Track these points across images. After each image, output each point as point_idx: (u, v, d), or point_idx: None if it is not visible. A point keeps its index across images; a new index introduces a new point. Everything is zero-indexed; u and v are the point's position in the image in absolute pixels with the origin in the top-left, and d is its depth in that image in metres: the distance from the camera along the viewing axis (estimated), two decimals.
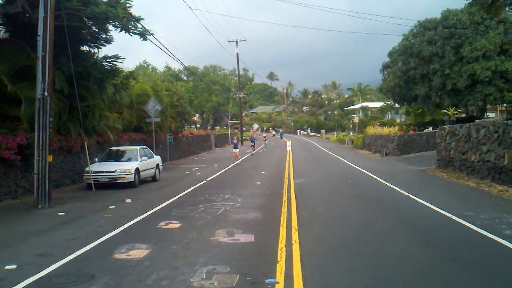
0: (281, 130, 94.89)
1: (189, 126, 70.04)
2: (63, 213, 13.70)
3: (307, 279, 7.00)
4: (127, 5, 19.33)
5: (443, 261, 7.90)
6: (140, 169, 20.50)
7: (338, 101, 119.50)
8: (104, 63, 22.38)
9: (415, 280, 6.99)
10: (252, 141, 42.96)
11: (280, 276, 7.16)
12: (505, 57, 33.12)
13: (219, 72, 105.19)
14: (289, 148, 41.84)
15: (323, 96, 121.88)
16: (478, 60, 33.16)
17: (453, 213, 11.90)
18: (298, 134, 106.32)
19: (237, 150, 34.26)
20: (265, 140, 57.68)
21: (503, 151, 16.66)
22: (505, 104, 38.29)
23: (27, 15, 18.20)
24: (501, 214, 11.81)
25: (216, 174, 24.23)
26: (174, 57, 62.80)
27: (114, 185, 19.32)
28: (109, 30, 21.30)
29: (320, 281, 7.06)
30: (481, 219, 11.26)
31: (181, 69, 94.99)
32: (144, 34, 20.52)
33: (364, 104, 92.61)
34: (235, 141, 35.56)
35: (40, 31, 15.10)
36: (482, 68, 32.63)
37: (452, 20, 35.20)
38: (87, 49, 22.41)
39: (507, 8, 19.67)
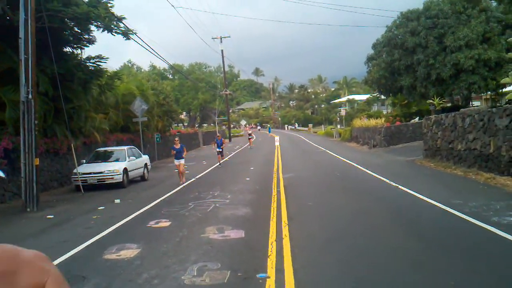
0: (268, 125, 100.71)
1: (176, 125, 69.87)
2: (52, 216, 13.61)
3: (298, 273, 7.02)
4: (109, 4, 19.29)
5: (433, 250, 7.97)
6: (129, 169, 20.41)
7: (324, 94, 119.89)
8: (88, 64, 22.25)
9: (405, 270, 7.04)
10: (219, 146, 27.88)
11: (271, 271, 7.17)
12: (488, 46, 33.37)
13: (205, 70, 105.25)
14: (277, 143, 41.86)
15: (309, 91, 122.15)
16: (461, 49, 33.38)
17: (441, 202, 11.99)
18: (286, 129, 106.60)
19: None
20: (250, 137, 47.97)
21: (489, 139, 16.82)
22: (489, 92, 38.63)
23: (7, 17, 17.98)
24: (488, 201, 11.92)
25: (205, 172, 24.20)
26: (159, 56, 62.72)
27: (102, 186, 19.22)
28: (92, 30, 21.22)
29: (311, 273, 7.10)
30: (469, 206, 11.36)
31: (166, 68, 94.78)
32: (127, 34, 20.46)
33: (350, 97, 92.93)
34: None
35: (21, 33, 14.92)
36: (466, 57, 32.86)
37: (434, 10, 35.39)
38: (70, 50, 22.28)
39: None
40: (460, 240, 8.56)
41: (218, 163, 27.28)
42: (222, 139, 28.95)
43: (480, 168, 17.34)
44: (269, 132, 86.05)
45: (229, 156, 35.44)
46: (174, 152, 20.38)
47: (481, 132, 17.53)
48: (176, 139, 21.20)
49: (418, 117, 37.53)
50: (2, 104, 17.09)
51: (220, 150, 27.64)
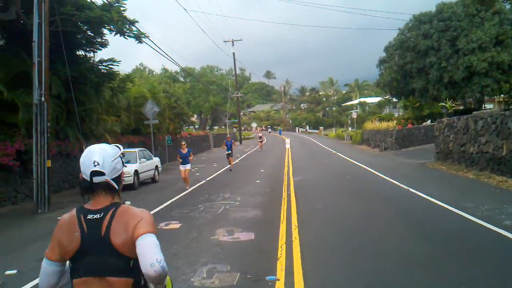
0: (279, 128, 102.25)
1: (187, 127, 70.10)
2: None
3: (307, 275, 7.01)
4: (122, 8, 19.41)
5: (444, 253, 7.91)
6: (139, 171, 20.52)
7: (335, 97, 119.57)
8: (100, 67, 22.43)
9: (416, 273, 6.98)
10: (229, 148, 26.86)
11: (280, 273, 7.17)
12: (501, 48, 33.14)
13: (216, 72, 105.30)
14: (287, 146, 41.83)
15: (320, 93, 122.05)
16: (474, 52, 33.18)
17: (453, 205, 11.92)
18: (297, 131, 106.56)
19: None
20: (260, 141, 47.63)
21: (501, 142, 16.68)
22: (502, 95, 38.31)
23: (21, 21, 18.20)
24: (500, 204, 11.83)
25: (216, 174, 24.23)
26: (171, 59, 62.73)
27: None
28: (104, 34, 21.41)
29: (320, 277, 7.07)
30: (481, 210, 11.28)
31: (178, 71, 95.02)
32: (139, 37, 20.60)
33: (362, 99, 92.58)
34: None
35: (35, 37, 15.09)
36: (479, 59, 32.66)
37: (447, 12, 35.26)
38: (83, 53, 22.47)
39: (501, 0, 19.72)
40: (471, 244, 8.49)
41: (229, 167, 26.30)
42: (232, 141, 28.03)
43: (493, 171, 17.20)
44: (280, 134, 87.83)
45: (239, 158, 35.47)
46: (180, 156, 19.36)
47: (494, 135, 17.39)
48: (183, 143, 19.95)
49: (430, 120, 37.31)
50: (15, 107, 17.25)
51: (230, 152, 26.52)
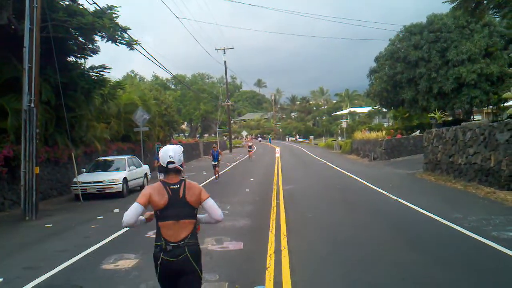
0: (269, 136, 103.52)
1: (177, 135, 70.00)
2: (50, 225, 13.60)
3: (296, 286, 7.00)
4: (114, 15, 19.41)
5: (433, 265, 7.94)
6: (128, 179, 20.43)
7: (326, 107, 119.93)
8: (91, 73, 22.37)
9: (406, 285, 7.01)
10: (215, 159, 25.27)
11: (269, 283, 7.15)
12: (490, 60, 33.50)
13: (207, 80, 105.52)
14: (277, 155, 41.88)
15: (311, 102, 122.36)
16: (463, 63, 33.51)
17: (441, 216, 11.97)
18: (287, 140, 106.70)
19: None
20: (250, 150, 46.59)
21: (489, 153, 16.82)
22: (491, 107, 38.69)
23: (13, 27, 18.13)
24: (488, 215, 11.90)
25: (205, 182, 24.15)
26: (162, 66, 63.01)
27: (102, 195, 19.22)
28: (96, 40, 21.40)
29: (309, 287, 7.07)
30: (468, 221, 11.34)
31: (169, 78, 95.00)
32: (131, 44, 20.60)
33: (352, 109, 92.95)
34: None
35: (26, 42, 15.04)
36: (468, 71, 32.98)
37: (438, 24, 35.60)
38: (74, 59, 22.42)
39: (490, 12, 19.96)
40: (460, 255, 8.53)
41: (215, 177, 25.22)
42: (219, 150, 26.24)
43: (480, 182, 17.32)
44: (270, 142, 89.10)
45: (229, 167, 35.43)
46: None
47: (482, 146, 17.54)
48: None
49: (419, 131, 37.56)
50: (5, 112, 17.16)
51: (216, 163, 25.15)
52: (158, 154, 4.56)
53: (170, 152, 4.38)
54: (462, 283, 7.03)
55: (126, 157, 22.28)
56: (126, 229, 12.24)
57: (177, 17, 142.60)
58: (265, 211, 14.16)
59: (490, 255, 8.47)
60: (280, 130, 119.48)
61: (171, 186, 4.33)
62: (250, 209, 14.75)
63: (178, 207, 4.28)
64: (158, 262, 4.37)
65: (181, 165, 4.43)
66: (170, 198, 4.28)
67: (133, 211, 4.34)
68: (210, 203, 4.43)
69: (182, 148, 4.55)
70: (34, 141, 15.18)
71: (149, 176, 23.62)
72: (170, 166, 4.35)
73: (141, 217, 4.52)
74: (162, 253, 4.34)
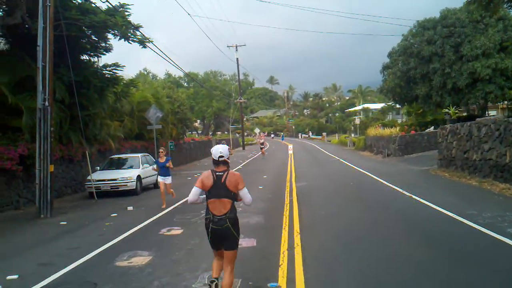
0: (282, 133, 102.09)
1: (190, 132, 70.13)
2: (65, 222, 13.72)
3: (309, 282, 6.98)
4: (126, 13, 19.50)
5: (447, 262, 7.87)
6: (142, 177, 20.53)
7: (339, 103, 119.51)
8: (104, 72, 22.46)
9: (420, 281, 6.94)
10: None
11: (282, 280, 7.14)
12: (505, 55, 33.01)
13: (220, 78, 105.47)
14: (290, 152, 41.75)
15: (323, 99, 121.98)
16: (478, 58, 33.08)
17: (456, 213, 11.86)
18: (300, 137, 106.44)
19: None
20: (262, 147, 46.42)
21: (505, 149, 16.62)
22: (506, 102, 38.19)
23: (26, 26, 18.30)
24: (503, 212, 11.76)
25: None
26: (174, 64, 62.95)
27: (116, 193, 19.34)
28: (109, 38, 21.45)
29: (322, 284, 7.04)
30: (483, 217, 11.22)
31: (182, 76, 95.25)
32: (143, 42, 20.65)
33: (365, 105, 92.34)
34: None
35: (39, 41, 15.16)
36: (482, 66, 32.55)
37: (451, 19, 35.17)
38: (87, 58, 22.52)
39: (505, 5, 19.66)
40: (475, 252, 8.44)
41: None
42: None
43: (496, 179, 17.13)
44: (282, 139, 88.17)
45: (242, 164, 35.47)
46: (157, 168, 16.18)
47: (497, 142, 17.33)
48: (161, 150, 16.24)
49: (433, 127, 37.21)
50: (19, 111, 17.31)
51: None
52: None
53: (220, 149, 5.94)
54: (475, 280, 6.94)
55: (139, 155, 22.38)
56: (139, 226, 12.37)
57: (188, 14, 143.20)
58: (278, 208, 14.16)
59: (506, 252, 8.37)
60: (293, 127, 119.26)
61: (217, 173, 5.86)
62: (263, 206, 14.75)
63: (219, 189, 5.81)
64: (209, 230, 5.97)
65: (227, 158, 5.94)
66: (215, 182, 5.82)
67: (193, 192, 5.97)
68: (244, 191, 5.98)
69: (228, 146, 6.25)
70: (49, 139, 15.30)
71: None
72: (221, 159, 5.86)
73: (202, 196, 6.05)
74: (211, 223, 5.91)
